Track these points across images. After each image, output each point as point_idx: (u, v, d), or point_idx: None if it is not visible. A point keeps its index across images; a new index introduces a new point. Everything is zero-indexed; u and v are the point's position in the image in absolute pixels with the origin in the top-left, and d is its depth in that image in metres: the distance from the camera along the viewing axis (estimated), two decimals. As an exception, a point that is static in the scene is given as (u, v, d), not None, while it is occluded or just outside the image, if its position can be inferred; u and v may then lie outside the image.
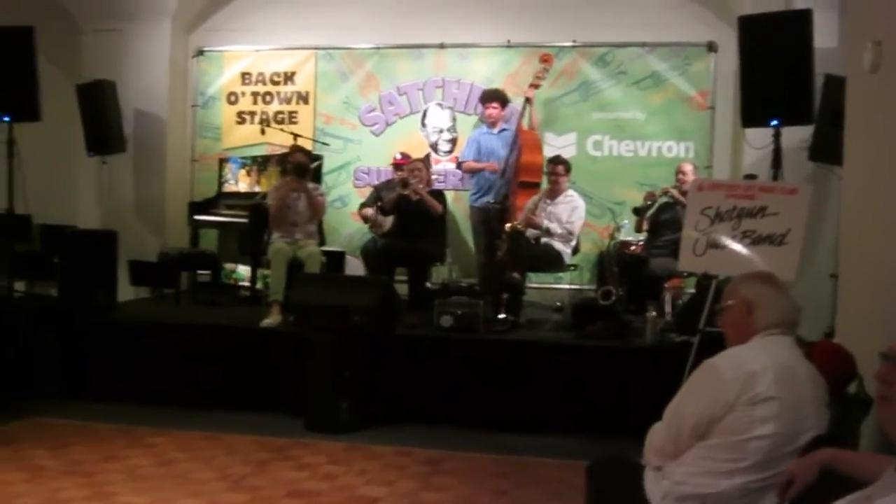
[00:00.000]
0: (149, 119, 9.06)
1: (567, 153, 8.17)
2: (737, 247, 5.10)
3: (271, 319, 6.78)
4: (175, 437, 5.84)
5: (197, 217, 8.63)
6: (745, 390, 2.80)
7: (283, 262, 6.94)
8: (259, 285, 7.86)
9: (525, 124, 8.00)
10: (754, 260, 4.97)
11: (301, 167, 7.16)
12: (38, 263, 7.79)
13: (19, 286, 7.51)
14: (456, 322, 6.41)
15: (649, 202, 7.30)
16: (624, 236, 7.72)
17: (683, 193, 6.82)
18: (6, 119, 7.21)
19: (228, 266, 8.62)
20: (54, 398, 6.50)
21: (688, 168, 7.38)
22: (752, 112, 6.48)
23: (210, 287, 8.27)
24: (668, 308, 6.78)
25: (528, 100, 7.95)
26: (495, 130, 8.21)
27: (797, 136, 6.93)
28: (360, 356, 6.09)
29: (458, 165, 8.49)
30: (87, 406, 6.38)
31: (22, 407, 6.25)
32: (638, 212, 7.34)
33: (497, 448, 5.68)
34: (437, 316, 6.46)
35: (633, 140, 8.49)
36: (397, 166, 8.15)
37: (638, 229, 7.48)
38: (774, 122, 6.36)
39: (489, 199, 7.95)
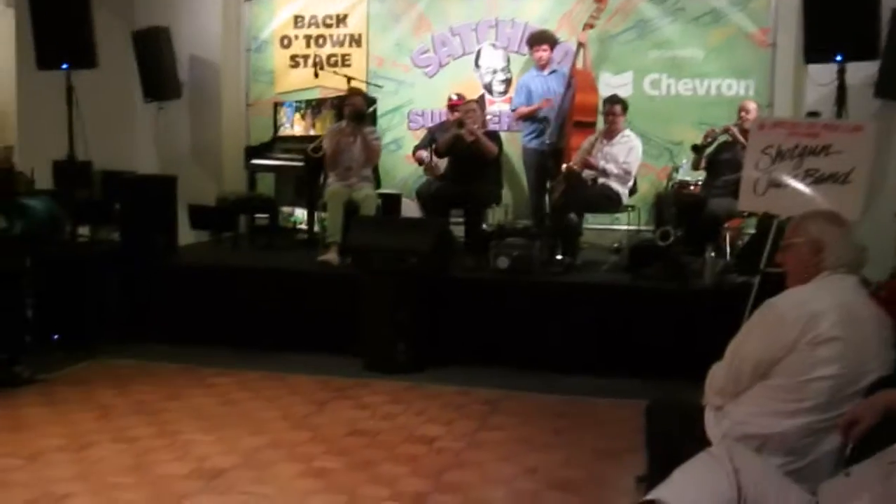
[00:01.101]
0: (203, 64, 9.10)
1: (623, 93, 8.03)
2: (799, 186, 5.01)
3: (331, 260, 6.86)
4: (236, 377, 5.98)
5: (253, 161, 8.69)
6: (808, 331, 2.78)
7: (340, 204, 6.98)
8: (316, 228, 7.92)
9: (579, 64, 7.88)
10: (816, 199, 4.88)
11: (358, 113, 7.14)
12: (99, 209, 7.92)
13: (82, 232, 7.66)
14: (512, 263, 6.41)
15: (709, 140, 7.16)
16: (682, 177, 7.61)
17: (745, 133, 6.68)
18: (64, 67, 7.28)
19: (285, 210, 8.70)
20: (118, 340, 6.67)
21: (751, 106, 7.20)
22: (816, 48, 6.31)
23: (268, 231, 8.36)
24: (727, 249, 6.70)
25: (581, 44, 7.84)
26: (545, 72, 8.11)
27: (862, 72, 6.71)
28: (417, 298, 6.14)
29: (513, 111, 8.42)
30: (150, 348, 6.54)
31: (89, 349, 6.42)
32: (697, 149, 7.21)
33: (554, 389, 5.72)
34: (492, 258, 6.47)
35: (692, 79, 8.31)
36: (452, 107, 8.09)
37: (696, 168, 7.36)
38: (839, 58, 6.19)
39: (544, 140, 7.88)
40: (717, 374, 3.06)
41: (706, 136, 7.23)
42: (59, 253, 6.52)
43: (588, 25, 7.84)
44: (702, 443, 2.91)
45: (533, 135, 8.09)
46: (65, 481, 4.11)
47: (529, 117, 8.09)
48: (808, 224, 3.03)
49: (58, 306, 6.38)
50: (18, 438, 4.62)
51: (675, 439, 3.17)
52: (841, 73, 6.24)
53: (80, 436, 4.78)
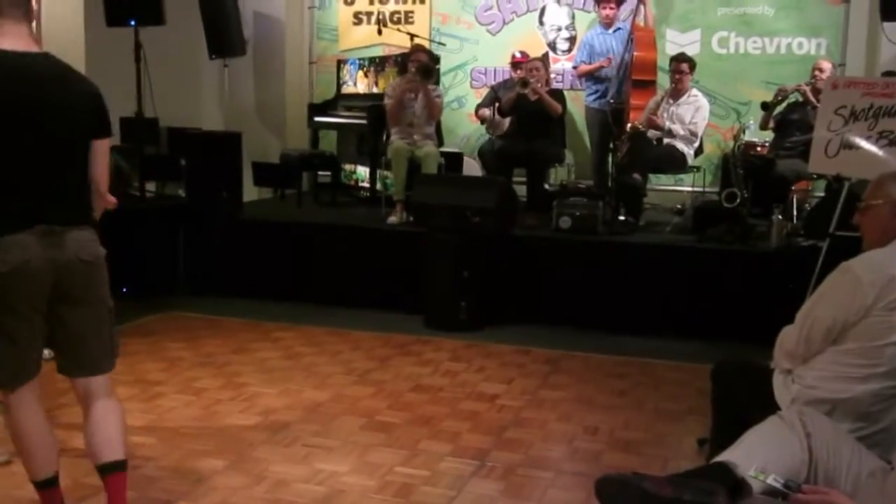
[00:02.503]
0: (267, 21, 9.13)
1: (691, 51, 7.87)
2: (872, 148, 4.87)
3: (395, 217, 6.89)
4: (300, 331, 6.06)
5: (317, 118, 8.72)
6: (884, 295, 2.72)
7: (403, 161, 6.98)
8: (378, 186, 7.95)
9: (640, 21, 7.75)
10: (891, 162, 4.74)
11: (426, 69, 7.08)
12: (166, 165, 8.03)
13: (150, 187, 7.78)
14: (575, 223, 6.37)
15: (780, 98, 6.99)
16: (749, 137, 7.47)
17: (818, 92, 6.51)
18: (132, 23, 7.36)
19: (348, 167, 8.73)
20: (185, 294, 6.80)
21: (826, 66, 6.98)
22: (893, 4, 6.11)
23: (330, 187, 8.41)
24: (794, 212, 6.57)
25: (641, 1, 7.70)
26: (610, 30, 7.99)
27: (942, 29, 6.51)
28: (480, 256, 6.15)
29: (574, 69, 8.33)
30: (216, 301, 6.65)
31: (157, 302, 6.56)
32: (767, 107, 7.04)
33: (615, 349, 5.70)
34: (555, 217, 6.43)
35: (761, 36, 8.12)
36: (516, 65, 8.02)
37: (764, 127, 7.20)
38: (918, 15, 6.00)
39: (607, 99, 7.79)
40: (788, 337, 3.01)
41: (777, 94, 7.07)
42: (128, 207, 6.63)
43: (653, -20, 7.69)
44: (769, 406, 2.89)
45: (596, 94, 8.00)
46: (134, 430, 4.20)
47: (591, 76, 8.00)
48: (890, 185, 2.93)
49: (127, 259, 6.49)
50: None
51: (741, 402, 3.16)
52: (919, 31, 6.05)
53: (148, 386, 4.89)
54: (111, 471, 3.04)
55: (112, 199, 3.17)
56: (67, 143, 2.95)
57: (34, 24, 3.20)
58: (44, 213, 2.88)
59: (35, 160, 2.88)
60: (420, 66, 7.10)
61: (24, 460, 3.07)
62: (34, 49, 2.93)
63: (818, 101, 6.40)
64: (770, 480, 2.19)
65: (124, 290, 5.44)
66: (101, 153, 3.05)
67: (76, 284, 2.96)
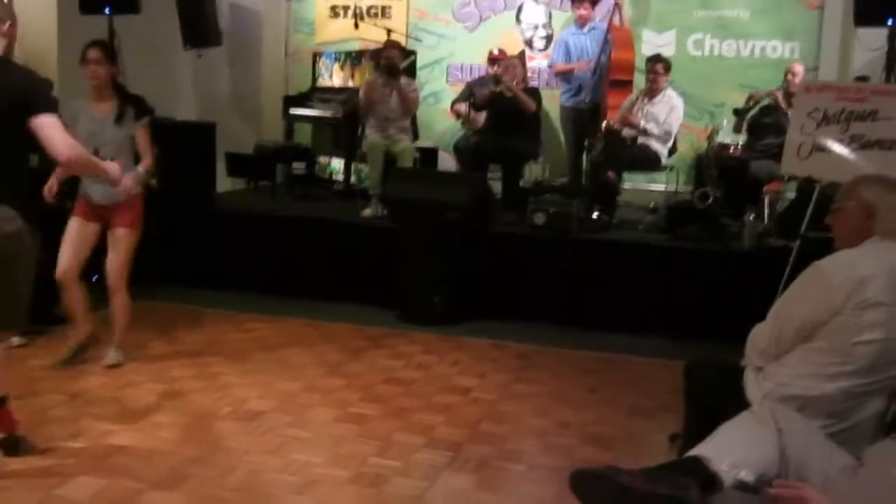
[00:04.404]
0: (244, 13, 9.09)
1: (666, 52, 7.93)
2: (844, 151, 4.93)
3: (370, 211, 6.91)
4: (273, 323, 6.05)
5: (292, 111, 8.69)
6: (854, 295, 2.76)
7: (379, 155, 6.99)
8: (353, 179, 7.94)
9: (617, 21, 7.80)
10: (862, 165, 4.81)
11: (391, 66, 7.11)
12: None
13: (122, 176, 7.70)
14: (549, 220, 6.40)
15: (752, 103, 7.09)
16: (722, 138, 7.54)
17: (791, 95, 6.59)
18: (107, 11, 7.30)
19: (323, 160, 8.71)
20: (158, 284, 6.74)
21: (798, 69, 7.07)
22: (866, 10, 6.20)
23: (305, 180, 8.39)
24: (766, 212, 6.64)
25: (616, 2, 7.75)
26: (584, 30, 8.03)
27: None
28: (454, 251, 6.17)
29: (549, 67, 8.37)
30: (189, 292, 6.60)
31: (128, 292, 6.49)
32: (739, 113, 7.14)
33: (589, 345, 5.74)
34: (530, 213, 6.46)
35: (736, 39, 8.21)
36: (493, 61, 8.04)
37: (737, 130, 7.28)
38: (889, 21, 6.08)
39: (582, 98, 7.83)
40: (760, 335, 3.05)
41: (749, 100, 7.16)
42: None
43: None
44: (741, 403, 2.93)
45: (570, 93, 8.05)
46: (107, 419, 4.19)
47: (565, 76, 8.04)
48: (862, 188, 2.99)
49: (98, 249, 6.43)
50: (59, 376, 4.71)
51: (713, 399, 3.19)
52: (891, 37, 6.16)
53: (120, 375, 4.86)
54: None
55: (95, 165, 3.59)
56: None
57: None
58: None
59: None
60: (385, 63, 7.13)
61: None
62: None
63: (789, 106, 6.50)
64: (742, 475, 2.22)
65: (94, 278, 5.40)
66: (43, 129, 3.28)
67: None
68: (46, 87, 3.49)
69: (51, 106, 3.35)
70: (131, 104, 4.94)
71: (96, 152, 4.66)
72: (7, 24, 3.51)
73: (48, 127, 3.29)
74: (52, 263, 4.70)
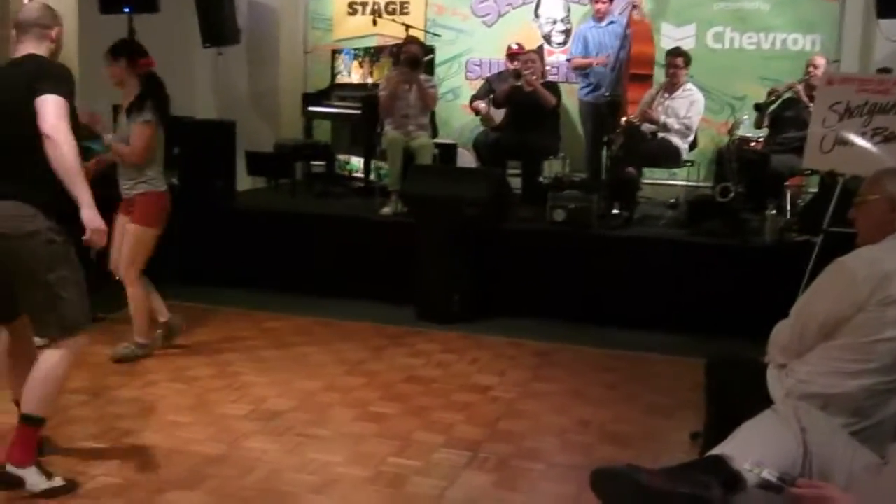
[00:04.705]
0: (262, 10, 9.10)
1: (686, 45, 7.88)
2: (867, 144, 4.88)
3: (389, 208, 6.89)
4: (292, 321, 6.06)
5: (311, 108, 8.70)
6: (878, 291, 2.72)
7: (398, 151, 6.97)
8: (372, 176, 7.94)
9: (636, 15, 7.74)
10: (885, 158, 4.75)
11: (413, 59, 7.08)
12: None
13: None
14: (569, 216, 6.36)
15: (773, 98, 7.03)
16: (743, 132, 7.48)
17: (812, 88, 6.52)
18: (126, 10, 7.33)
19: (342, 157, 8.71)
20: (177, 283, 6.75)
21: (820, 62, 7.01)
22: (888, 1, 6.12)
23: (324, 178, 8.39)
24: (788, 207, 6.58)
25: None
26: (603, 24, 7.99)
27: (936, 27, 6.52)
28: (473, 248, 6.15)
29: (568, 61, 8.33)
30: (208, 290, 6.60)
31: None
32: (760, 108, 7.08)
33: (607, 343, 5.70)
34: (549, 210, 6.42)
35: (757, 32, 8.15)
36: (512, 56, 8.01)
37: (758, 126, 7.24)
38: (912, 12, 6.01)
39: (601, 93, 7.78)
40: (782, 332, 3.01)
41: (770, 94, 7.10)
42: (118, 195, 6.59)
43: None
44: (763, 401, 2.89)
45: (589, 88, 8.01)
46: (128, 418, 4.21)
47: (584, 71, 8.00)
48: (887, 181, 2.93)
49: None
50: (82, 376, 4.72)
51: (735, 396, 3.15)
52: (914, 28, 6.06)
53: (140, 374, 4.88)
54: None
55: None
56: (4, 126, 3.28)
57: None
58: None
59: None
60: (407, 56, 7.10)
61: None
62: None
63: (811, 99, 6.43)
64: (765, 474, 2.19)
65: (117, 278, 5.42)
66: (41, 108, 3.19)
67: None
68: (59, 71, 3.37)
69: (57, 86, 3.25)
70: (148, 99, 4.95)
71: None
72: (55, 29, 3.51)
73: (44, 103, 3.20)
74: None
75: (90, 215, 3.29)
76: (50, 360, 3.33)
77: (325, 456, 3.84)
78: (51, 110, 3.20)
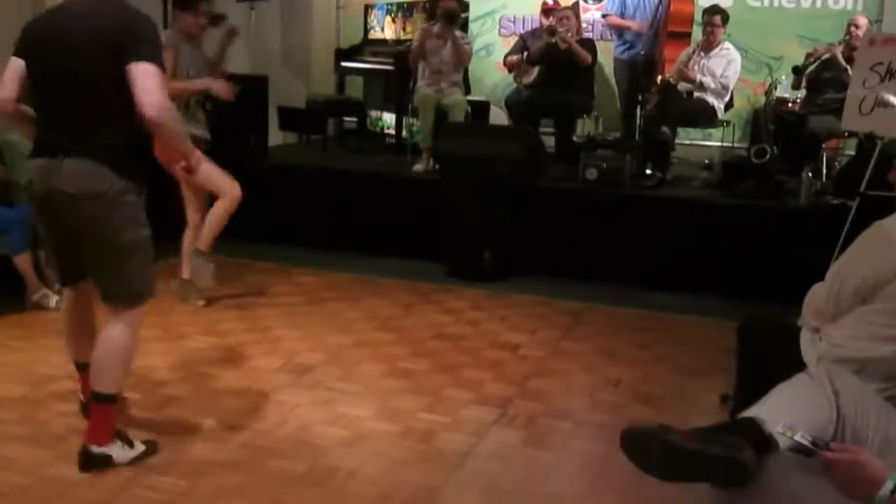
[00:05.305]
0: (295, -36, 9.03)
1: (724, 3, 7.72)
2: (908, 107, 4.79)
3: (421, 165, 6.87)
4: (324, 277, 6.09)
5: (343, 64, 8.66)
6: (917, 255, 2.68)
7: (431, 108, 6.93)
8: (404, 133, 7.91)
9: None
10: (926, 122, 4.67)
11: (450, 14, 6.97)
12: (190, 107, 7.99)
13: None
14: (601, 176, 6.32)
15: (811, 60, 6.89)
16: (780, 93, 7.36)
17: (853, 49, 6.38)
18: (161, -36, 7.30)
19: (374, 114, 8.68)
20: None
21: (862, 21, 6.83)
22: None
23: (356, 134, 8.38)
24: (824, 169, 6.49)
25: None
26: (641, -20, 7.86)
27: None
28: (505, 207, 6.13)
29: (603, 17, 8.22)
30: (239, 245, 6.58)
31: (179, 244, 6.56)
32: (798, 71, 6.95)
33: (639, 303, 5.69)
34: (582, 169, 6.38)
35: (798, -11, 7.98)
36: (547, 12, 7.91)
37: (796, 87, 7.11)
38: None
39: (637, 51, 7.67)
40: (817, 295, 2.98)
41: (808, 56, 6.97)
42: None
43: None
44: (796, 364, 2.87)
45: (625, 46, 7.89)
46: (161, 369, 4.27)
47: (620, 31, 7.89)
48: (928, 144, 2.89)
49: (152, 203, 6.48)
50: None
51: (767, 359, 3.13)
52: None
53: (173, 327, 4.94)
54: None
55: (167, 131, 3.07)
56: (74, 77, 3.03)
57: None
58: (50, 144, 3.09)
59: (51, 94, 3.10)
60: (444, 11, 7.00)
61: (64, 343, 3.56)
62: None
63: (850, 60, 6.29)
64: (798, 437, 2.17)
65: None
66: (135, 78, 2.93)
67: (67, 214, 3.11)
68: (150, 28, 3.07)
69: (152, 51, 2.99)
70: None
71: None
72: None
73: (142, 76, 2.93)
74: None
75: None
76: (114, 335, 3.20)
77: (355, 410, 3.87)
78: (152, 86, 2.94)
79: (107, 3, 3.08)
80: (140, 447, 3.34)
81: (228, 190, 5.10)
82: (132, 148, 3.14)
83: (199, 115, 5.40)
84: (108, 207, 3.06)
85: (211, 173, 4.91)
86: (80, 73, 3.02)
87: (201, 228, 5.21)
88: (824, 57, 6.91)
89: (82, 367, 3.43)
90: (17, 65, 3.15)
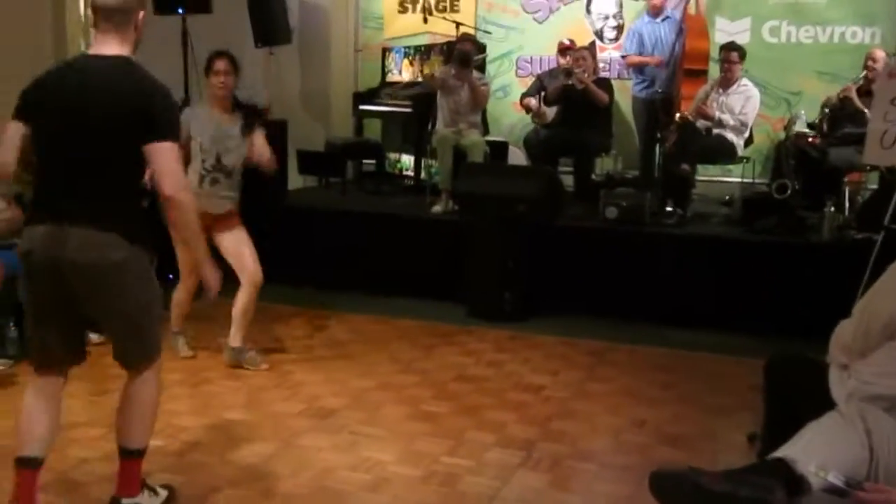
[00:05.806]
0: (313, 9, 9.12)
1: (741, 40, 7.74)
2: (930, 139, 4.76)
3: (440, 206, 6.88)
4: (344, 319, 6.08)
5: (361, 107, 8.71)
6: (945, 290, 2.64)
7: (449, 149, 6.96)
8: (423, 174, 7.93)
9: (692, 10, 7.63)
10: (949, 154, 4.63)
11: (464, 57, 7.03)
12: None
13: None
14: (621, 214, 6.30)
15: (826, 112, 6.93)
16: (800, 128, 7.34)
17: (871, 82, 6.36)
18: (180, 11, 7.41)
19: (392, 155, 8.72)
20: (229, 281, 6.78)
21: (880, 55, 6.80)
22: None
23: (375, 176, 8.41)
24: (846, 203, 6.44)
25: None
26: (658, 19, 7.88)
27: None
28: (525, 246, 6.11)
29: (623, 58, 8.25)
30: (260, 289, 6.63)
31: (200, 288, 6.56)
32: (813, 126, 7.04)
33: (662, 342, 5.64)
34: (602, 207, 6.37)
35: (814, 25, 7.95)
36: (563, 51, 7.94)
37: (814, 127, 7.12)
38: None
39: (655, 89, 7.68)
40: (845, 331, 2.95)
41: (823, 107, 7.01)
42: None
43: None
44: (825, 402, 2.82)
45: (643, 84, 7.90)
46: (183, 414, 4.25)
47: (639, 67, 7.91)
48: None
49: (171, 247, 6.52)
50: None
51: (795, 397, 3.08)
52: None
53: (196, 371, 4.93)
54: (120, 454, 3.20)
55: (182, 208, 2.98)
56: (88, 142, 2.90)
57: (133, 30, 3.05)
58: (56, 211, 2.92)
59: (60, 160, 2.95)
60: (458, 53, 7.06)
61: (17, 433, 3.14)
62: (113, 53, 2.98)
63: (870, 93, 6.26)
64: (831, 478, 2.14)
65: (170, 277, 5.49)
66: (155, 157, 2.90)
67: (78, 285, 2.94)
68: (169, 103, 3.01)
69: (172, 128, 2.98)
70: (249, 112, 5.05)
71: (219, 158, 4.81)
72: (139, 14, 3.07)
73: (162, 155, 2.89)
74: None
75: (210, 271, 3.19)
76: (140, 393, 3.15)
77: (378, 454, 3.84)
78: (168, 172, 2.90)
79: (128, 71, 2.97)
80: (163, 493, 3.32)
81: (250, 274, 5.02)
82: (143, 215, 3.08)
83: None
84: (121, 276, 2.95)
85: (242, 250, 4.99)
86: (96, 139, 2.90)
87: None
88: (836, 101, 6.91)
89: (27, 464, 3.06)
90: (17, 128, 3.00)
